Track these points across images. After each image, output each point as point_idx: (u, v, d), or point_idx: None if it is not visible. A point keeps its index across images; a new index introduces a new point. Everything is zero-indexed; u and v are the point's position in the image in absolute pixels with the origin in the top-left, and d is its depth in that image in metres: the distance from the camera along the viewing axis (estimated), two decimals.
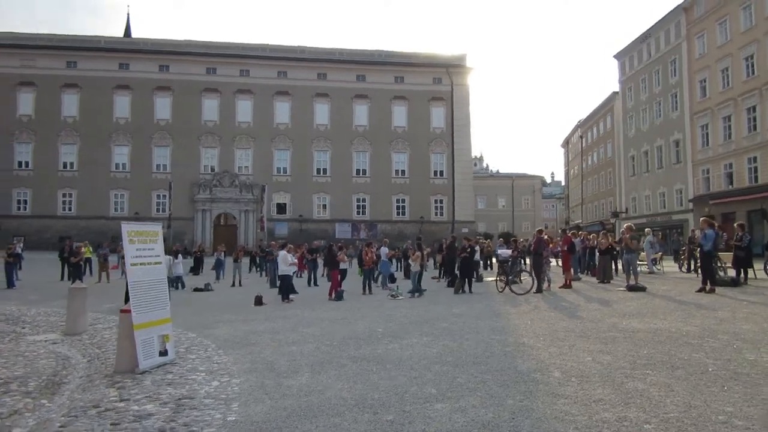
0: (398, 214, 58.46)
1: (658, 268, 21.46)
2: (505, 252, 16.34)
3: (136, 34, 69.12)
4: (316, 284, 20.69)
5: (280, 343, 8.86)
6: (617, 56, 55.12)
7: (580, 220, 68.71)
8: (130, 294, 7.46)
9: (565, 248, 15.76)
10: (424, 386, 5.78)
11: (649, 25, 48.76)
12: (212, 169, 56.36)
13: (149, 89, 56.10)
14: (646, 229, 23.62)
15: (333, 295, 15.25)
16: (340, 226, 56.81)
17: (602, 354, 6.80)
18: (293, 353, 8.00)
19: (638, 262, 21.98)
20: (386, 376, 6.31)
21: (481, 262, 22.83)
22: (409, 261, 17.08)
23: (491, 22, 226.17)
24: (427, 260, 28.17)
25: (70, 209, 55.05)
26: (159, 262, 8.09)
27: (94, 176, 54.29)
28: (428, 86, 58.95)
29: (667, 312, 10.11)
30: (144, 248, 7.84)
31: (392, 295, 15.15)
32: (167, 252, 15.47)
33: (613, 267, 18.85)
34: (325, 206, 58.03)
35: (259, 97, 57.28)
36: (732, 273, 15.16)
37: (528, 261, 17.37)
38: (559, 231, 55.86)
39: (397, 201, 58.58)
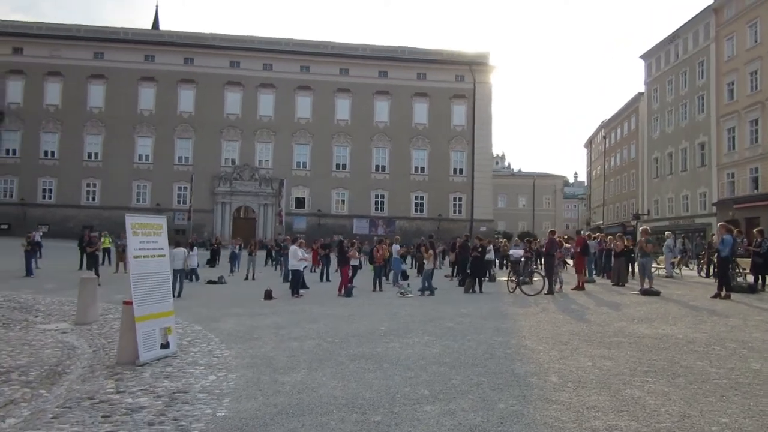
0: (416, 211, 58.27)
1: (677, 272, 21.06)
2: (517, 252, 16.16)
3: (164, 27, 69.67)
4: (328, 279, 20.71)
5: (282, 339, 8.87)
6: (644, 57, 54.15)
7: (601, 221, 67.82)
8: (132, 286, 7.51)
9: (578, 250, 15.52)
10: (418, 387, 5.72)
11: (678, 26, 47.79)
12: (233, 162, 56.74)
13: (174, 81, 56.61)
14: (666, 233, 23.21)
15: (342, 291, 15.23)
16: (358, 221, 56.81)
17: (604, 359, 6.67)
18: (293, 349, 8.00)
19: (656, 266, 21.76)
20: (381, 376, 6.27)
21: (497, 261, 22.57)
22: (424, 260, 16.95)
23: (516, 20, 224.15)
24: (443, 258, 28.13)
25: (93, 199, 55.85)
26: (163, 254, 8.14)
27: (117, 167, 54.98)
28: (450, 83, 58.57)
29: (677, 318, 9.90)
30: (148, 241, 7.90)
31: (401, 293, 15.09)
32: (180, 244, 15.63)
33: (630, 270, 18.51)
34: (343, 201, 58.07)
35: (281, 91, 57.45)
36: (751, 279, 14.80)
37: (541, 262, 17.17)
38: (576, 232, 55.09)
39: (416, 198, 58.37)
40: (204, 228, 53.16)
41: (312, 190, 57.35)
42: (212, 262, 28.88)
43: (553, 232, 15.27)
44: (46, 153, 55.80)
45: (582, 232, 19.28)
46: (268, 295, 14.53)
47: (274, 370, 6.76)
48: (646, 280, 14.04)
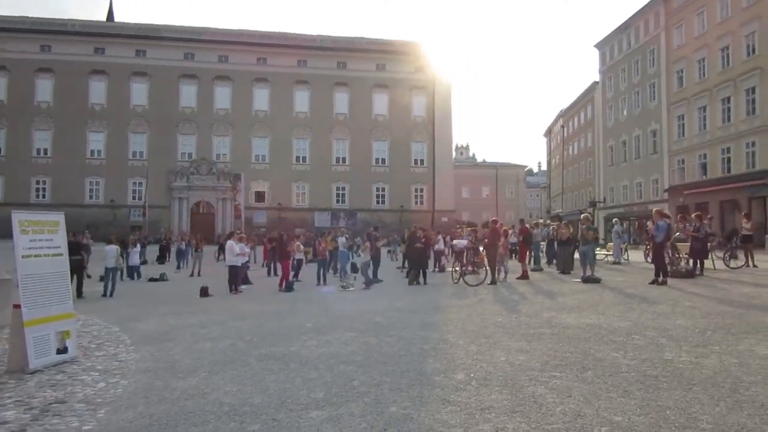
0: (378, 202, 57.99)
1: (625, 258, 21.17)
2: (461, 242, 15.92)
3: (119, 18, 67.56)
4: (276, 274, 20.16)
5: (197, 339, 8.41)
6: (598, 46, 54.73)
7: (560, 210, 68.62)
8: (20, 288, 6.93)
9: (521, 239, 15.36)
10: (315, 390, 5.34)
11: (630, 15, 48.38)
12: (190, 157, 55.47)
13: (125, 74, 54.96)
14: (614, 219, 23.34)
15: (283, 287, 14.76)
16: (319, 214, 56.20)
17: (519, 353, 6.40)
18: (203, 351, 7.55)
19: (606, 252, 21.87)
20: (283, 378, 5.88)
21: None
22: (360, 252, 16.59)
23: (476, 10, 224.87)
24: (392, 251, 27.77)
25: (44, 197, 53.93)
26: (59, 253, 7.56)
27: (68, 163, 53.14)
28: (410, 74, 58.29)
29: (608, 306, 9.74)
30: (40, 239, 7.30)
31: (343, 286, 14.71)
32: (112, 242, 14.87)
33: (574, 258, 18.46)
34: (304, 194, 57.42)
35: (238, 83, 56.35)
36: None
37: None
38: (519, 221, 55.46)
39: (377, 189, 58.09)
40: (161, 224, 51.80)
41: (272, 183, 56.50)
42: (162, 258, 28.06)
43: (495, 221, 15.04)
44: None
45: (524, 221, 19.08)
46: (204, 292, 14.00)
47: (172, 375, 6.31)
48: (588, 267, 13.94)
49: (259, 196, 56.44)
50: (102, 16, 73.95)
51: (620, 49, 50.59)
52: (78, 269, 13.42)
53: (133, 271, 20.49)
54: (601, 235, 38.11)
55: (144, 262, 27.15)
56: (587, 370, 5.52)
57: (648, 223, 16.11)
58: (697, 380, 5.02)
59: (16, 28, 53.61)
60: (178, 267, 23.65)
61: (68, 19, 56.34)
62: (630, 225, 43.49)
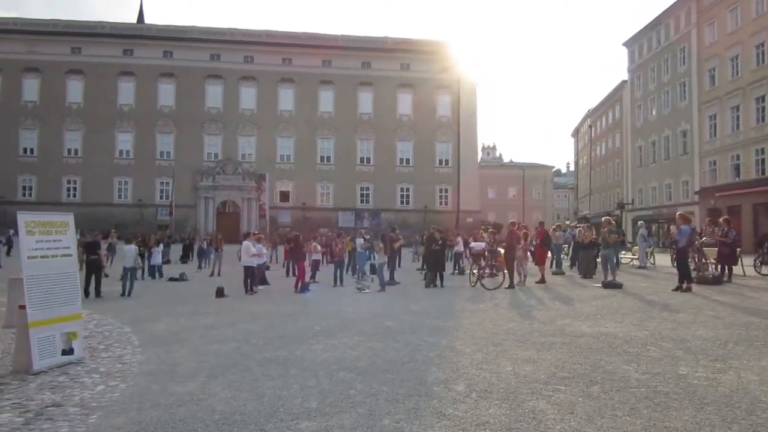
0: (402, 203, 57.74)
1: (651, 262, 20.60)
2: (478, 245, 15.62)
3: (149, 20, 68.45)
4: (295, 274, 20.09)
5: (205, 341, 8.35)
6: (627, 44, 53.58)
7: (588, 211, 67.46)
8: (25, 289, 6.94)
9: (539, 241, 14.99)
10: (310, 398, 5.20)
11: (660, 12, 47.22)
12: (215, 157, 56.00)
13: (153, 76, 55.72)
14: (639, 222, 22.71)
15: (299, 288, 14.67)
16: (343, 214, 56.19)
17: (526, 363, 6.16)
18: (208, 353, 7.48)
19: (631, 256, 21.32)
20: (280, 385, 5.75)
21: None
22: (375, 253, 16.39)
23: (503, 10, 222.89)
24: (416, 252, 27.51)
25: (74, 196, 54.97)
26: (69, 254, 7.57)
27: (98, 163, 54.08)
28: (434, 74, 57.87)
29: (627, 313, 9.40)
30: (47, 240, 7.30)
31: (358, 288, 14.56)
32: (131, 242, 14.95)
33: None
34: (328, 194, 57.46)
35: (263, 84, 56.68)
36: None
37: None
38: (539, 223, 54.46)
39: (402, 190, 57.83)
40: (187, 223, 52.32)
41: (296, 183, 56.65)
42: (185, 258, 28.28)
43: (513, 223, 14.72)
44: (25, 150, 54.92)
45: (543, 223, 18.64)
46: (220, 293, 13.97)
47: (171, 379, 6.24)
48: (609, 272, 13.54)
49: (284, 196, 56.68)
50: (133, 18, 75.01)
51: (650, 47, 49.45)
52: (96, 269, 13.53)
53: (154, 271, 20.66)
54: (629, 238, 37.32)
55: (167, 262, 27.39)
56: (595, 384, 5.26)
57: (671, 227, 15.58)
58: (711, 399, 4.72)
59: (47, 31, 54.82)
60: (200, 267, 23.78)
61: (98, 22, 57.46)
62: (659, 228, 42.47)
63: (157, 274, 20.52)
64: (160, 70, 55.86)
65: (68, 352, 7.36)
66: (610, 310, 9.83)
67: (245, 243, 14.78)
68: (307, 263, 16.04)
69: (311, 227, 44.35)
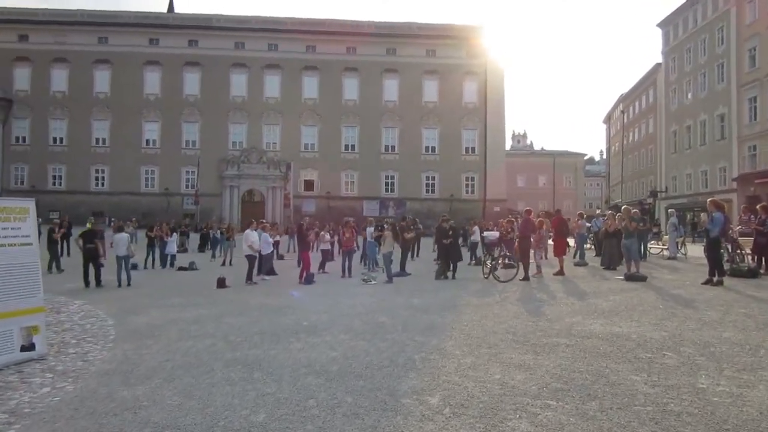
0: (428, 191, 56.70)
1: (682, 253, 19.38)
2: (492, 234, 14.72)
3: (178, 9, 68.36)
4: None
5: (181, 337, 7.79)
6: (661, 25, 51.24)
7: (620, 200, 65.41)
8: None
9: (555, 231, 13.98)
10: (260, 410, 4.53)
11: None
12: (240, 145, 55.83)
13: (179, 64, 55.65)
14: (669, 210, 21.39)
15: (303, 279, 14.05)
16: (368, 203, 55.51)
17: (519, 370, 5.36)
18: (177, 351, 6.91)
19: (660, 246, 20.11)
20: (237, 391, 5.10)
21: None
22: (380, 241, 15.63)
23: None
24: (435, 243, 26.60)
25: (102, 185, 55.47)
26: (28, 243, 7.03)
27: (125, 152, 54.38)
28: (461, 60, 56.48)
29: (646, 310, 8.46)
30: (4, 227, 6.77)
31: (364, 280, 13.85)
32: (122, 230, 14.50)
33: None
34: (353, 183, 56.78)
35: (287, 72, 56.13)
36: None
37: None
38: (555, 211, 52.63)
39: (427, 178, 56.76)
40: (213, 212, 52.40)
41: (321, 172, 56.08)
42: (203, 247, 28.00)
43: (528, 211, 13.76)
44: (54, 140, 55.47)
45: (560, 210, 17.53)
46: (221, 283, 13.46)
47: (124, 381, 5.66)
48: (633, 263, 12.52)
49: (308, 185, 56.22)
50: (163, 7, 75.20)
51: (685, 27, 47.16)
52: (93, 258, 13.12)
53: (167, 260, 20.34)
54: (662, 227, 35.72)
55: (184, 250, 27.24)
56: (593, 399, 4.44)
57: (702, 215, 14.44)
58: (733, 423, 3.87)
59: (75, 21, 55.24)
60: (213, 256, 23.45)
61: (124, 11, 57.64)
62: (694, 216, 40.60)
63: (168, 263, 20.18)
64: (186, 59, 55.76)
65: (28, 348, 6.86)
66: (628, 306, 8.89)
67: (246, 232, 14.20)
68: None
69: (336, 216, 43.83)
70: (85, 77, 55.11)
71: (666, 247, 19.68)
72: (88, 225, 25.30)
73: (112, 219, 37.73)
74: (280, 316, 9.15)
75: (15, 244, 6.86)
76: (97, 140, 55.74)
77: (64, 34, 54.96)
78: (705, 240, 11.77)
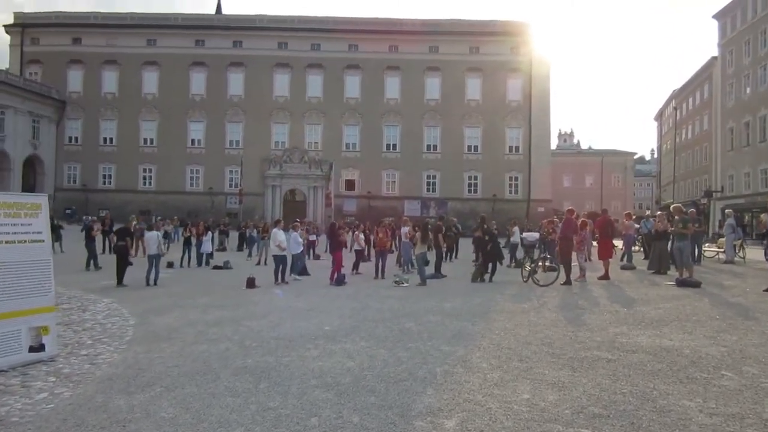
0: (470, 191, 55.68)
1: (740, 256, 18.08)
2: (531, 235, 13.95)
3: (226, 10, 68.93)
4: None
5: (196, 340, 7.46)
6: (717, 16, 48.74)
7: (671, 200, 62.78)
8: None
9: (599, 232, 13.10)
10: (255, 428, 4.07)
11: None
12: (282, 145, 56.12)
13: (223, 65, 56.36)
14: (727, 211, 20.00)
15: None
16: (409, 203, 54.93)
17: (552, 389, 4.74)
18: (188, 356, 6.56)
19: (716, 249, 18.87)
20: (238, 404, 4.68)
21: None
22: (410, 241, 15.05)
23: None
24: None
25: (150, 184, 56.70)
26: (40, 239, 6.80)
27: (171, 152, 55.47)
28: (505, 56, 55.23)
29: (700, 321, 7.64)
30: (14, 223, 6.55)
31: (396, 282, 13.31)
32: (153, 228, 14.36)
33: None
34: (394, 183, 56.30)
35: (329, 71, 56.12)
36: None
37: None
38: (602, 211, 50.53)
39: (469, 178, 55.74)
40: (255, 211, 52.80)
41: (362, 171, 55.83)
42: (241, 246, 28.00)
43: (571, 211, 12.92)
44: (105, 140, 57.03)
45: (607, 210, 16.44)
46: (251, 284, 13.15)
47: (125, 388, 5.33)
48: (685, 268, 11.57)
49: (349, 184, 56.06)
50: (211, 9, 76.59)
51: (743, 18, 44.68)
52: (122, 256, 13.03)
53: (202, 258, 20.30)
54: (717, 228, 33.94)
55: (223, 249, 27.31)
56: (637, 429, 3.80)
57: (762, 215, 13.30)
58: None
59: (125, 24, 56.71)
60: (250, 255, 23.35)
61: (172, 14, 58.80)
62: (752, 218, 38.40)
63: (204, 262, 20.13)
64: (230, 59, 56.44)
65: (37, 348, 6.63)
66: (680, 316, 8.07)
67: (274, 231, 13.87)
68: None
69: (376, 216, 43.44)
70: (134, 78, 56.46)
71: (722, 250, 18.42)
72: (133, 222, 25.80)
73: (159, 217, 38.29)
74: (302, 320, 8.72)
75: (26, 241, 6.63)
76: (145, 140, 57.00)
77: (115, 37, 56.52)
78: (766, 243, 10.75)
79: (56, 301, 11.31)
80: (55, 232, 23.21)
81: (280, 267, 13.58)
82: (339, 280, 13.48)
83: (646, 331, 7.04)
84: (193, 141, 57.08)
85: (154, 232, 13.45)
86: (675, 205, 12.59)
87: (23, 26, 56.94)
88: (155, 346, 7.17)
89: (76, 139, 56.96)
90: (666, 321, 7.67)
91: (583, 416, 4.06)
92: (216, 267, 18.98)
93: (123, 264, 12.95)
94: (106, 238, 20.45)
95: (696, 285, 11.08)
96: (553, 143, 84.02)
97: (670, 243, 13.13)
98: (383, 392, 4.82)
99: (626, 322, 7.64)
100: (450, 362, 5.78)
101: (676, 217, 11.73)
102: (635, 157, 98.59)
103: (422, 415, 4.22)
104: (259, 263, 20.52)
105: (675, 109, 64.11)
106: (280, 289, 12.61)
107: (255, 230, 23.30)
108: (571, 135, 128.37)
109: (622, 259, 17.32)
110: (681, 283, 11.20)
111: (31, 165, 53.89)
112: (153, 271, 13.19)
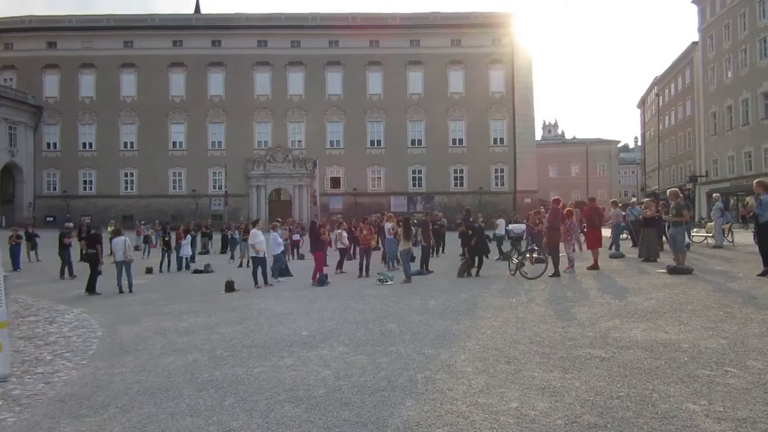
0: (456, 185, 55.39)
1: (729, 240, 17.85)
2: (518, 227, 13.56)
3: (204, 9, 68.26)
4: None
5: (164, 351, 6.99)
6: (696, 1, 48.71)
7: (656, 187, 62.93)
8: None
9: (586, 221, 12.73)
10: None
11: None
12: (266, 145, 55.43)
13: (203, 65, 55.47)
14: (714, 195, 19.77)
15: (315, 280, 13.17)
16: (395, 198, 54.53)
17: (542, 395, 4.32)
18: (151, 371, 6.08)
19: (704, 234, 18.64)
20: (197, 425, 4.24)
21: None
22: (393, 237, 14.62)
23: None
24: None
25: (131, 188, 55.79)
26: None
27: (153, 155, 54.50)
28: (486, 48, 54.95)
29: (696, 310, 7.27)
30: None
31: (380, 280, 12.87)
32: (120, 233, 13.73)
33: (662, 242, 15.45)
34: (379, 179, 55.84)
35: (310, 68, 55.45)
36: None
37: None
38: (589, 199, 50.50)
39: (455, 171, 55.45)
40: (240, 212, 52.13)
41: (347, 168, 55.31)
42: (224, 248, 27.41)
43: (557, 201, 12.53)
44: (84, 145, 55.93)
45: (595, 199, 15.97)
46: (230, 287, 12.66)
47: (75, 411, 4.86)
48: (678, 254, 11.22)
49: (335, 182, 55.52)
50: (189, 9, 75.48)
51: (723, 2, 44.59)
52: (92, 264, 12.47)
53: (182, 262, 19.76)
54: (704, 213, 33.87)
55: (206, 252, 26.75)
56: None
57: (747, 198, 13.00)
58: None
59: (101, 26, 55.63)
60: (232, 257, 22.82)
61: (148, 14, 57.81)
62: (737, 201, 38.36)
63: (182, 266, 19.59)
64: (210, 59, 55.58)
65: None
66: (675, 305, 7.70)
67: (252, 231, 13.35)
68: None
69: (363, 213, 42.95)
70: (112, 82, 55.44)
71: (711, 235, 18.17)
72: (109, 229, 25.14)
73: (142, 222, 37.55)
74: (279, 325, 8.26)
75: None
76: (125, 144, 56.05)
77: (91, 40, 55.46)
78: (754, 226, 10.44)
79: (24, 313, 10.91)
80: (30, 240, 22.61)
81: (259, 269, 13.06)
82: (321, 281, 13.02)
83: (640, 323, 6.65)
84: (174, 143, 56.18)
85: (121, 237, 12.84)
86: (672, 189, 12.19)
87: None
88: (118, 360, 6.68)
89: (55, 145, 55.85)
90: (660, 312, 7.29)
91: (577, 427, 3.64)
92: (196, 271, 18.47)
93: (94, 272, 12.38)
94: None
95: (688, 272, 10.75)
96: (538, 134, 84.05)
97: (666, 229, 12.77)
98: (358, 405, 4.38)
99: (619, 315, 7.25)
100: (432, 367, 5.35)
101: (671, 203, 11.34)
102: (619, 145, 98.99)
103: (399, 430, 3.79)
104: (241, 265, 19.99)
105: (657, 95, 64.17)
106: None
107: (237, 232, 22.72)
108: (555, 125, 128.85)
109: (610, 248, 17.01)
110: (672, 270, 10.85)
111: (9, 173, 52.79)
112: (125, 277, 12.64)
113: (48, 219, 52.02)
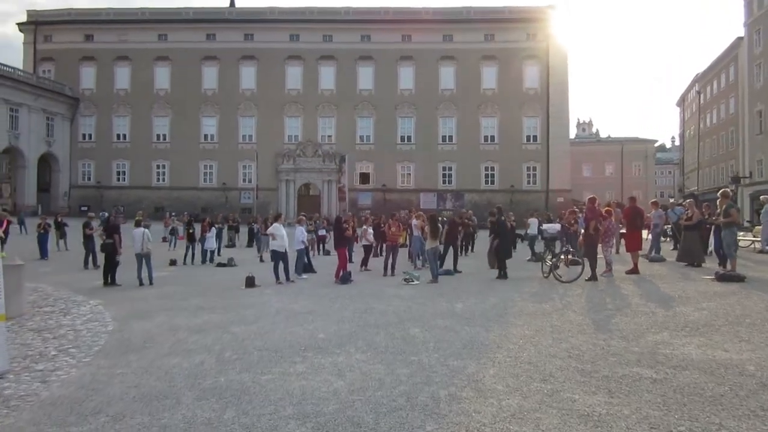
0: (487, 182, 54.41)
1: None
2: (553, 227, 12.81)
3: (239, 3, 68.07)
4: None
5: (172, 350, 6.59)
6: None
7: (696, 187, 60.84)
8: None
9: (627, 221, 11.91)
10: None
11: None
12: (296, 139, 55.31)
13: (235, 59, 55.66)
14: (762, 197, 18.58)
15: (339, 277, 12.68)
16: (425, 195, 53.82)
17: (586, 425, 3.71)
18: (155, 372, 5.69)
19: (752, 238, 17.60)
20: None
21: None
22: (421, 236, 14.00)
23: None
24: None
25: (163, 180, 56.31)
26: None
27: (184, 147, 54.89)
28: (521, 43, 53.76)
29: (756, 324, 6.51)
30: None
31: (405, 280, 12.30)
32: (140, 224, 13.35)
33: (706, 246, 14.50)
34: (409, 175, 55.21)
35: (341, 63, 55.11)
36: None
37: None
38: (629, 199, 48.85)
39: (486, 169, 54.46)
40: (269, 206, 52.07)
41: (376, 164, 54.81)
42: (251, 242, 27.19)
43: (593, 199, 11.74)
44: (118, 136, 56.70)
45: (636, 198, 14.99)
46: (250, 283, 12.26)
47: (62, 418, 4.46)
48: (729, 260, 10.37)
49: (364, 178, 55.09)
50: (225, 2, 75.82)
51: None
52: (109, 254, 12.20)
53: (206, 255, 19.52)
54: (746, 215, 32.38)
55: (232, 245, 26.54)
56: None
57: None
58: None
59: (136, 19, 56.29)
60: (258, 250, 22.54)
61: (182, 8, 58.16)
62: None
63: (208, 259, 19.34)
64: (242, 53, 55.71)
65: None
66: (730, 317, 6.95)
67: (274, 225, 12.92)
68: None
69: (392, 209, 42.45)
70: (146, 74, 55.98)
71: (758, 239, 17.09)
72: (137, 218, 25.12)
73: (172, 213, 37.72)
74: (296, 325, 7.77)
75: None
76: (158, 136, 56.57)
77: (127, 33, 56.15)
78: None
79: (41, 303, 10.70)
80: (60, 229, 22.70)
81: (280, 264, 12.62)
82: (344, 278, 12.52)
83: (693, 338, 5.95)
84: (206, 136, 56.49)
85: (140, 229, 12.51)
86: (723, 189, 11.31)
87: (36, 24, 56.80)
88: (122, 359, 6.29)
89: (90, 136, 56.69)
90: (715, 325, 6.55)
91: None
92: (220, 264, 18.17)
93: (111, 263, 12.12)
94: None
95: (740, 279, 9.90)
96: (572, 132, 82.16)
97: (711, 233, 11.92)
98: (371, 427, 3.84)
99: (667, 327, 6.55)
100: (458, 382, 4.77)
101: (722, 205, 10.45)
102: (656, 144, 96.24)
103: None
104: (262, 260, 19.66)
105: (699, 93, 61.95)
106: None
107: (259, 225, 22.44)
108: (590, 124, 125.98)
109: (650, 251, 16.11)
110: (722, 277, 10.02)
111: (46, 162, 53.82)
112: (145, 270, 12.34)
113: (83, 208, 52.74)
